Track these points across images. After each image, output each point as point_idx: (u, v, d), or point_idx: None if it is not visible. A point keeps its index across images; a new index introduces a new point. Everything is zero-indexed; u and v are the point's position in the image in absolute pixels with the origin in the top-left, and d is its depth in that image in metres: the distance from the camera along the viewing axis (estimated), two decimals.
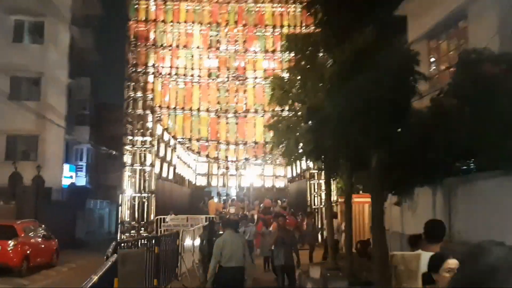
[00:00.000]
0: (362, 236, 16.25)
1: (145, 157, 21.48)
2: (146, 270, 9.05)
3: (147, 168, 21.40)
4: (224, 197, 27.50)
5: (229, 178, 27.92)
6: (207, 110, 22.40)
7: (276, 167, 27.73)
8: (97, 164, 33.98)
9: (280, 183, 28.16)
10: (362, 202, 15.36)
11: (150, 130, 21.64)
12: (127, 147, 21.48)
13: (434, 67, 13.04)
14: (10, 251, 14.59)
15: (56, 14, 25.09)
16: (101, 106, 34.72)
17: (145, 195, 21.28)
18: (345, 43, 8.29)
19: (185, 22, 22.39)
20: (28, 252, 15.17)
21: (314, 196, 22.71)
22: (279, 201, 25.21)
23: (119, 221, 21.87)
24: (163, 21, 22.30)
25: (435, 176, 8.60)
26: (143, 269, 7.88)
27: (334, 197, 17.14)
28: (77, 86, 28.11)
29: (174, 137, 22.83)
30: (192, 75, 22.31)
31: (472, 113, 7.46)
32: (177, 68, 22.33)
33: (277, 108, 17.49)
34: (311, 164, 19.70)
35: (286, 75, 16.87)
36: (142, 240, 11.60)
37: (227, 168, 27.12)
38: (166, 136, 22.82)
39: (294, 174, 26.28)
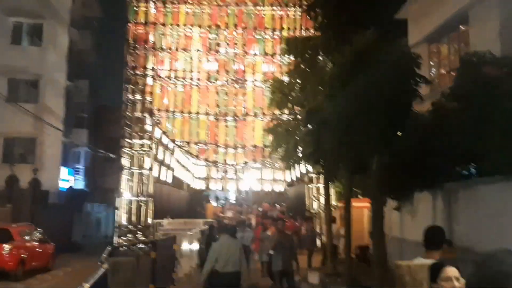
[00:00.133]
0: (361, 241, 16.10)
1: (143, 160, 21.37)
2: (142, 275, 8.90)
3: (145, 172, 21.28)
4: (223, 201, 27.37)
5: (228, 182, 27.81)
6: (206, 113, 22.34)
7: (275, 171, 27.62)
8: (95, 167, 33.77)
9: (279, 187, 28.04)
10: (361, 206, 15.23)
11: (148, 133, 21.54)
12: (125, 150, 21.36)
13: (435, 71, 12.95)
14: (6, 255, 14.43)
15: (55, 16, 25.02)
16: (100, 108, 34.55)
17: (143, 198, 21.15)
18: (344, 46, 8.20)
19: (185, 24, 22.37)
20: (23, 256, 15.00)
21: (313, 201, 22.59)
22: (277, 205, 25.08)
23: (116, 225, 21.72)
24: (162, 23, 22.26)
25: (435, 180, 8.50)
26: (135, 277, 7.74)
27: (333, 202, 17.02)
28: (75, 88, 27.99)
29: (173, 140, 22.73)
30: (191, 78, 22.27)
31: (474, 117, 7.36)
32: (176, 71, 22.29)
33: (277, 112, 17.41)
34: (310, 168, 19.59)
35: (285, 78, 16.80)
36: (138, 244, 11.46)
37: (225, 171, 27.00)
38: (164, 139, 22.71)
39: (293, 178, 26.17)
